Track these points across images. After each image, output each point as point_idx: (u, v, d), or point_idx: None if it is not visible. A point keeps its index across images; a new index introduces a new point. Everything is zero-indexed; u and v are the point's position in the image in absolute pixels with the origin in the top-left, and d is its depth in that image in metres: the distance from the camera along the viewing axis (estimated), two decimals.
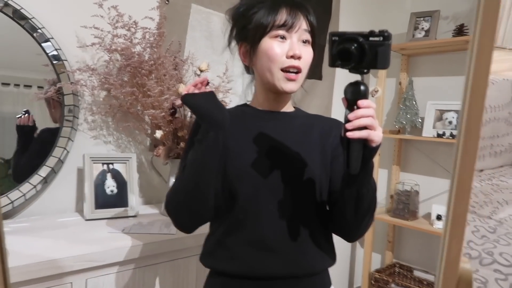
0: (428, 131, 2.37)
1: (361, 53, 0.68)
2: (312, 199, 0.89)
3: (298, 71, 0.86)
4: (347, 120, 0.69)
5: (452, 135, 2.25)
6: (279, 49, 0.85)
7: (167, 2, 1.64)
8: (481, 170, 2.09)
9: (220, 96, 1.56)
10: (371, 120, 0.69)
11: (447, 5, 2.37)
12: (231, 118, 0.85)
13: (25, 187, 1.31)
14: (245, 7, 0.90)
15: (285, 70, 0.85)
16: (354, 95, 0.70)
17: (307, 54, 0.88)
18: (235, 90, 1.65)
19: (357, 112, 0.69)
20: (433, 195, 2.49)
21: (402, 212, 2.42)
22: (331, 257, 0.92)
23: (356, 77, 0.71)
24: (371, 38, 0.68)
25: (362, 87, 0.70)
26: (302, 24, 0.87)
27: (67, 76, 1.38)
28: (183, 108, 1.49)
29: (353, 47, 0.68)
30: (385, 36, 0.67)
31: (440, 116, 2.35)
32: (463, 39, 2.15)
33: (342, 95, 0.71)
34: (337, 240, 0.93)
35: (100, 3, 1.32)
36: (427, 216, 2.45)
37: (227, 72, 1.59)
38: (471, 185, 0.40)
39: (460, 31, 2.22)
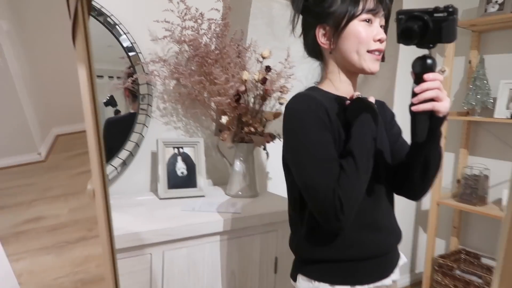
0: (501, 112, 2.24)
1: (425, 30, 0.72)
2: (387, 178, 0.97)
3: (381, 52, 0.91)
4: (414, 93, 0.74)
5: None
6: (366, 33, 0.89)
7: None
8: None
9: (282, 81, 1.61)
10: (436, 92, 0.73)
11: None
12: (325, 104, 0.88)
13: (108, 168, 1.47)
14: None
15: (371, 52, 0.90)
16: (421, 69, 0.75)
17: (385, 37, 0.91)
18: (295, 76, 1.69)
19: (423, 86, 0.73)
20: (505, 180, 2.36)
21: (469, 197, 2.33)
22: None
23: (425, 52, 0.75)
24: (435, 15, 0.72)
25: (428, 61, 0.75)
26: (385, 8, 0.91)
27: (142, 67, 1.50)
28: (247, 95, 1.56)
29: (416, 26, 0.72)
30: (450, 11, 0.72)
31: None
32: None
33: (406, 76, 0.75)
34: (398, 220, 1.02)
35: None
36: (498, 201, 2.33)
37: (289, 58, 1.63)
38: None
39: None
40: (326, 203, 0.81)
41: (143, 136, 1.54)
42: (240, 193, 1.59)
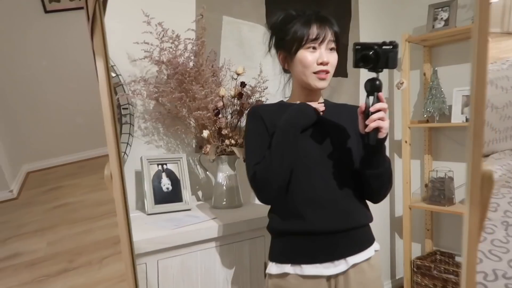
0: (457, 117, 2.43)
1: (377, 57, 0.96)
2: (349, 169, 1.12)
3: (326, 72, 1.11)
4: (368, 113, 0.96)
5: None
6: (311, 58, 1.09)
7: (201, 16, 1.81)
8: None
9: (257, 95, 1.70)
10: (382, 114, 0.96)
11: None
12: (277, 111, 1.14)
13: None
14: (283, 20, 1.15)
15: (316, 73, 1.10)
16: (371, 88, 0.98)
17: (333, 59, 1.12)
18: (268, 90, 1.79)
19: (372, 117, 0.95)
20: None
21: (438, 199, 2.47)
22: (370, 214, 1.16)
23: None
24: (383, 47, 0.96)
25: (377, 82, 0.97)
26: (329, 36, 1.10)
27: (122, 88, 1.55)
28: (225, 110, 1.64)
29: (371, 53, 0.96)
30: (394, 45, 0.96)
31: (467, 101, 2.41)
32: None
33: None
34: (375, 231, 1.17)
35: (149, 21, 1.49)
36: (464, 201, 2.48)
37: (261, 73, 1.73)
38: (482, 139, 0.51)
39: None
40: (252, 183, 1.10)
41: (127, 155, 1.57)
42: (224, 203, 1.63)
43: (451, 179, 2.50)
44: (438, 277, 2.42)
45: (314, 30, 1.08)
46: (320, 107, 1.13)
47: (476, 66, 0.43)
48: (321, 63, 1.09)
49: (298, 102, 1.18)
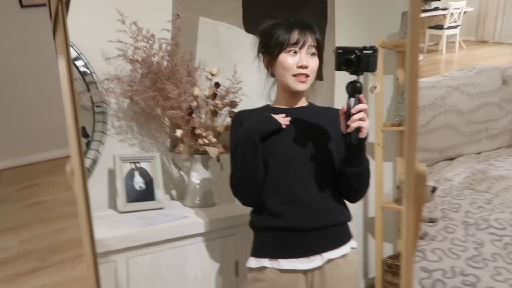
0: None
1: (358, 61, 1.01)
2: (328, 169, 1.18)
3: (306, 75, 1.17)
4: (350, 113, 1.02)
5: None
6: (292, 61, 1.16)
7: (177, 16, 1.82)
8: (479, 153, 2.23)
9: (231, 96, 1.73)
10: (363, 115, 1.02)
11: None
12: (254, 115, 1.19)
13: None
14: (269, 27, 1.22)
15: (295, 75, 1.16)
16: (352, 90, 1.03)
17: (313, 63, 1.18)
18: (243, 91, 1.81)
19: (357, 107, 1.01)
20: None
21: None
22: (348, 213, 1.21)
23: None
24: (364, 51, 1.02)
25: (358, 84, 1.03)
26: (309, 41, 1.16)
27: (96, 86, 1.56)
28: (199, 110, 1.66)
29: (353, 57, 1.01)
30: (374, 49, 1.02)
31: None
32: None
33: (343, 94, 1.04)
34: None
35: (123, 20, 1.50)
36: None
37: (236, 74, 1.76)
38: (416, 139, 0.55)
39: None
40: (231, 190, 1.19)
41: (99, 153, 1.58)
42: (197, 202, 1.65)
43: None
44: None
45: (295, 35, 1.15)
46: (285, 120, 1.18)
47: (409, 74, 0.47)
48: (301, 66, 1.15)
49: (282, 106, 1.25)
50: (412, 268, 0.50)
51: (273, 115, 1.18)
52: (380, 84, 2.62)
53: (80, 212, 0.62)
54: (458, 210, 1.57)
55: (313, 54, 1.18)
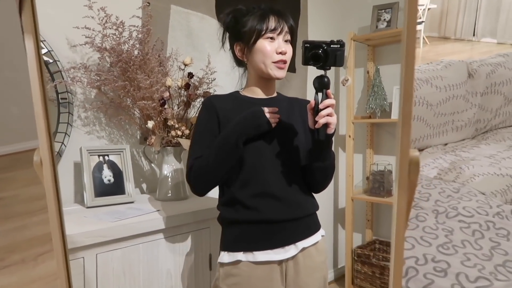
0: (397, 114, 2.55)
1: (326, 56, 1.01)
2: (298, 163, 1.18)
3: (284, 62, 1.15)
4: (318, 109, 1.00)
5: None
6: (270, 47, 1.13)
7: (148, 4, 1.76)
8: (446, 144, 2.30)
9: (204, 87, 1.69)
10: (331, 110, 1.01)
11: None
12: (231, 103, 1.18)
13: None
14: (237, 14, 1.18)
15: (275, 62, 1.13)
16: (320, 85, 1.01)
17: (289, 50, 1.16)
18: (216, 82, 1.78)
19: (325, 102, 1.00)
20: None
21: (378, 191, 2.60)
22: (316, 203, 1.24)
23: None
24: (332, 46, 1.01)
25: (325, 79, 1.01)
26: (285, 28, 1.15)
27: (61, 75, 1.47)
28: (171, 101, 1.61)
29: (320, 51, 1.00)
30: (341, 44, 1.01)
31: None
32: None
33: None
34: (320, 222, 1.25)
35: (90, 5, 1.42)
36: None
37: (210, 65, 1.72)
38: (410, 126, 0.55)
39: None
40: (187, 175, 1.15)
41: (65, 146, 1.50)
42: (169, 196, 1.61)
43: (390, 172, 2.63)
44: (377, 264, 2.55)
45: (272, 22, 1.13)
46: (274, 117, 1.14)
47: (405, 62, 0.46)
48: (280, 53, 1.13)
49: (254, 95, 1.22)
50: (402, 254, 0.50)
51: (264, 109, 1.13)
52: (351, 77, 2.65)
53: (50, 203, 0.57)
54: (428, 199, 1.61)
55: (287, 41, 1.16)
